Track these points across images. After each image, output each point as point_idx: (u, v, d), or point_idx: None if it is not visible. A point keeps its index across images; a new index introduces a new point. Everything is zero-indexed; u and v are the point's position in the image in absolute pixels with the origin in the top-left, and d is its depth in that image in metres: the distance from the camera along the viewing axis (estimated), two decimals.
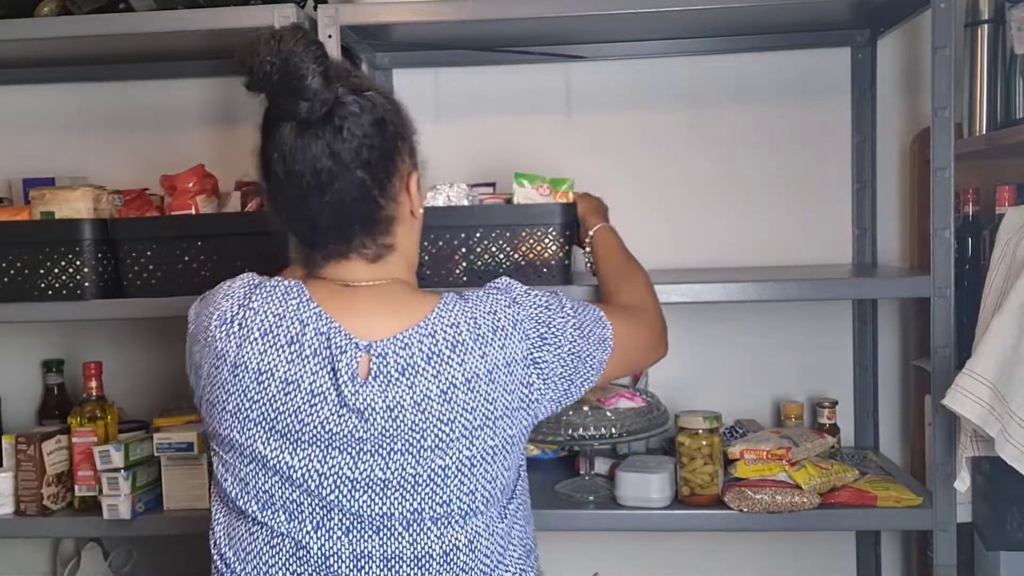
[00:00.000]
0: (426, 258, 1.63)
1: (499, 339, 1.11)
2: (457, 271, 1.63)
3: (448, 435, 1.07)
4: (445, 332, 1.09)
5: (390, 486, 1.08)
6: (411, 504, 1.08)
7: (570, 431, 1.66)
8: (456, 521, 1.10)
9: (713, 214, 2.02)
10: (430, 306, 1.12)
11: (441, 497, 1.09)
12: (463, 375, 1.08)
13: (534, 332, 1.14)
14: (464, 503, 1.10)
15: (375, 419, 1.07)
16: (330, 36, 1.61)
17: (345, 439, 1.07)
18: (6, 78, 2.07)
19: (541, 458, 1.95)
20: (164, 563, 2.10)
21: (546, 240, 1.62)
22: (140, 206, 1.80)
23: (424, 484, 1.08)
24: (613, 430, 1.67)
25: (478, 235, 1.63)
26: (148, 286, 1.69)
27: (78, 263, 1.67)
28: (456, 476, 1.08)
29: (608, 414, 1.67)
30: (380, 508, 1.08)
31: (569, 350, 1.16)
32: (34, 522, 1.73)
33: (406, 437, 1.07)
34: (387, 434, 1.07)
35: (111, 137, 2.11)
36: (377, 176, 1.12)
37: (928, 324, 1.58)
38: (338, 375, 1.07)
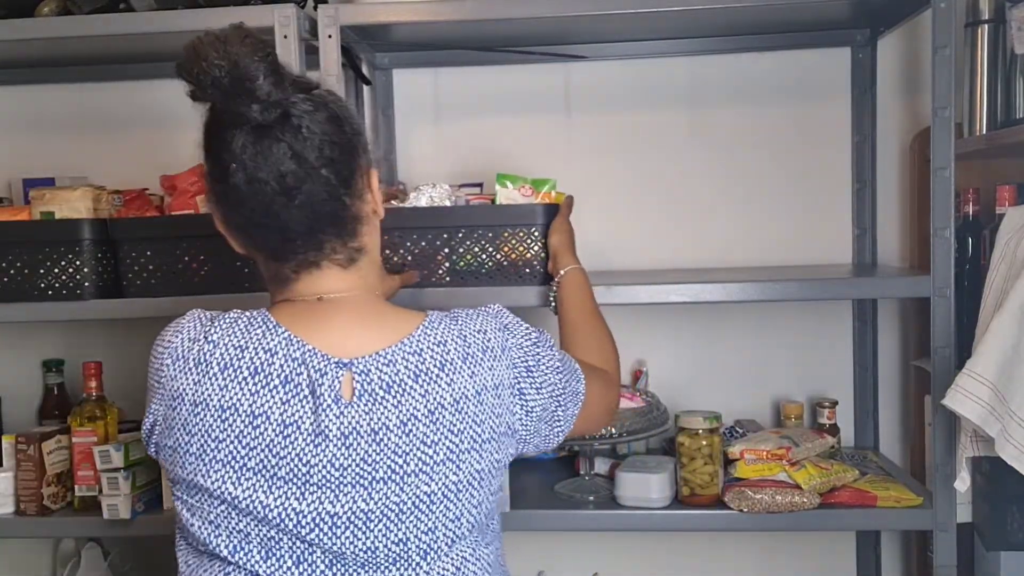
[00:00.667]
0: (408, 259, 1.62)
1: (488, 360, 1.08)
2: (440, 271, 1.63)
3: (432, 458, 1.03)
4: (432, 350, 1.06)
5: (373, 517, 1.02)
6: (396, 535, 1.03)
7: None
8: (443, 551, 1.06)
9: (713, 214, 2.02)
10: (414, 323, 1.09)
11: (427, 525, 1.04)
12: (451, 395, 1.05)
13: (521, 363, 1.11)
14: (450, 530, 1.06)
15: (358, 443, 1.02)
16: (330, 36, 1.60)
17: (323, 470, 1.01)
18: (6, 78, 2.07)
19: (541, 458, 1.95)
20: (164, 563, 2.10)
21: (528, 241, 1.61)
22: (140, 206, 1.81)
23: (409, 512, 1.03)
24: (613, 430, 1.67)
25: (460, 235, 1.62)
26: (148, 286, 1.68)
27: (78, 263, 1.67)
28: (442, 503, 1.04)
29: None
30: (364, 543, 1.03)
31: (550, 392, 1.14)
32: (34, 522, 1.73)
33: (388, 463, 1.02)
34: (369, 460, 1.02)
35: (111, 137, 2.11)
36: (341, 174, 1.08)
37: (928, 324, 1.58)
38: (319, 399, 1.01)
